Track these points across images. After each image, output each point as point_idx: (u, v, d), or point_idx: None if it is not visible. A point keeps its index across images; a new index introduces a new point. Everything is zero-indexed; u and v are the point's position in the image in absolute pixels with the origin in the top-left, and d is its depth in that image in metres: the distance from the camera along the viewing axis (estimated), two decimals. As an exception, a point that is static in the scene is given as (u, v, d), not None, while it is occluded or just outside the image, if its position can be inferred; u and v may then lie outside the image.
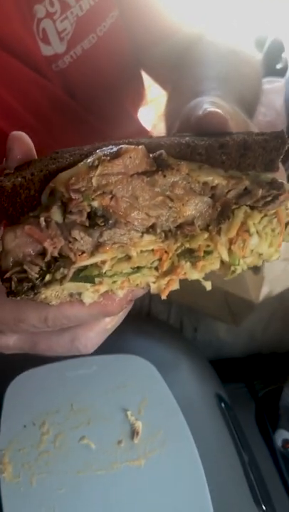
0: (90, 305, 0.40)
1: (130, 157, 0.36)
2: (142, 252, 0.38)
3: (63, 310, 0.40)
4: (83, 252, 0.37)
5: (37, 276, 0.37)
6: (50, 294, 0.39)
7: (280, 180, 0.39)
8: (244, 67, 0.73)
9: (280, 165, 0.41)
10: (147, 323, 0.97)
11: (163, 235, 0.38)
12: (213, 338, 1.06)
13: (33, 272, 0.37)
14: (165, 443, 0.70)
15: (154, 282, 0.41)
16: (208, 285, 0.42)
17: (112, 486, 0.67)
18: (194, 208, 0.38)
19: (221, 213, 0.39)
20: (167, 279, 0.40)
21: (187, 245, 0.39)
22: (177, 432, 0.72)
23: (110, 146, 0.38)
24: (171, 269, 0.40)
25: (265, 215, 0.40)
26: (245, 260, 0.41)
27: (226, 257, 0.40)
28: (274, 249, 0.41)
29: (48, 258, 0.37)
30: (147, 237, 0.38)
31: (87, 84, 0.79)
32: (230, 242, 0.40)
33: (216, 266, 0.41)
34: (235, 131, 0.44)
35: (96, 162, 0.36)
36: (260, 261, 0.42)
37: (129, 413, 0.74)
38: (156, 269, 0.40)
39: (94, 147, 0.39)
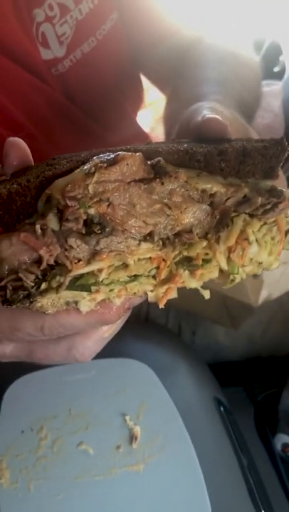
0: (86, 313, 0.39)
1: (127, 164, 0.36)
2: (139, 260, 0.38)
3: (60, 318, 0.40)
4: (79, 260, 0.36)
5: (32, 284, 0.37)
6: (46, 302, 0.38)
7: (279, 188, 0.39)
8: (243, 69, 0.73)
9: (280, 172, 0.41)
10: (146, 327, 0.97)
11: (161, 243, 0.38)
12: (211, 342, 1.06)
13: (29, 280, 0.36)
14: (164, 448, 0.70)
15: (151, 291, 0.40)
16: (206, 294, 0.41)
17: (111, 492, 0.66)
18: (192, 215, 0.38)
19: (220, 221, 0.38)
20: (165, 287, 0.40)
21: (185, 253, 0.39)
22: (176, 436, 0.71)
23: (107, 153, 0.37)
24: (169, 278, 0.40)
25: (265, 223, 0.39)
26: (244, 269, 0.40)
27: (224, 265, 0.39)
28: (274, 258, 0.41)
29: (43, 266, 0.36)
30: (145, 245, 0.38)
31: (87, 88, 0.78)
32: (229, 250, 0.39)
33: (215, 274, 0.40)
34: (235, 137, 0.43)
35: (93, 169, 0.36)
36: (260, 269, 0.41)
37: (127, 418, 0.73)
38: (154, 277, 0.39)
39: (91, 154, 0.39)
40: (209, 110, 0.45)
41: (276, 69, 1.26)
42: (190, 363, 0.86)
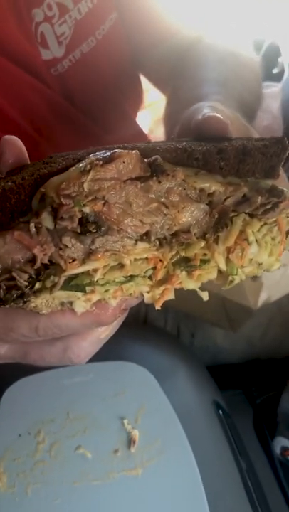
0: (82, 314, 0.39)
1: (124, 162, 0.35)
2: (135, 260, 0.37)
3: (54, 319, 0.39)
4: (74, 260, 0.36)
5: (26, 284, 0.36)
6: (41, 302, 0.37)
7: (280, 188, 0.38)
8: (244, 69, 0.73)
9: (281, 171, 0.40)
10: (144, 329, 0.96)
11: (157, 242, 0.37)
12: (210, 344, 1.05)
13: (22, 280, 0.36)
14: (162, 452, 0.69)
15: (148, 292, 0.39)
16: (204, 295, 0.40)
17: (109, 496, 0.65)
18: (190, 215, 0.37)
19: (219, 221, 0.37)
20: (162, 288, 0.39)
21: (183, 254, 0.38)
22: (175, 440, 0.70)
23: (104, 151, 0.36)
24: (166, 279, 0.39)
25: (265, 224, 0.39)
26: (243, 270, 0.39)
27: (223, 266, 0.38)
28: (274, 259, 0.40)
29: (37, 265, 0.36)
30: (141, 245, 0.37)
31: (86, 88, 0.78)
32: (228, 250, 0.38)
33: (213, 275, 0.39)
34: (235, 136, 0.42)
35: (88, 167, 0.35)
36: (260, 271, 0.40)
37: (125, 421, 0.72)
38: (151, 278, 0.39)
39: (88, 151, 0.38)
40: (210, 109, 0.45)
41: (275, 70, 1.26)
42: (189, 365, 0.85)
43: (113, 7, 0.77)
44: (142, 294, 0.40)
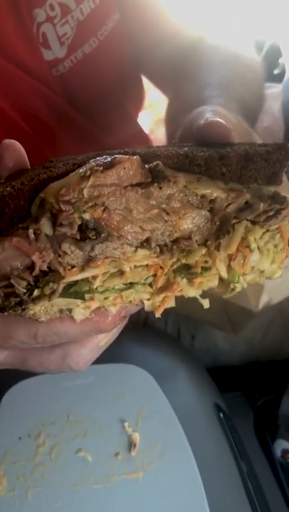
0: (81, 321, 0.38)
1: (124, 168, 0.34)
2: (135, 267, 0.37)
3: (53, 326, 0.39)
4: (73, 267, 0.35)
5: (24, 291, 0.35)
6: (39, 309, 0.37)
7: (283, 194, 0.37)
8: (246, 71, 0.72)
9: (284, 178, 0.39)
10: (144, 331, 0.96)
11: (158, 249, 0.37)
12: (210, 346, 1.05)
13: (21, 287, 0.35)
14: (163, 455, 0.69)
15: (148, 299, 0.39)
16: (205, 303, 0.40)
17: (109, 500, 0.65)
18: (192, 221, 0.36)
19: (220, 228, 0.37)
20: (162, 296, 0.38)
21: (184, 261, 0.38)
22: (175, 443, 0.70)
23: (104, 156, 0.36)
24: (167, 286, 0.38)
25: (267, 231, 0.38)
26: (245, 277, 0.39)
27: (224, 273, 0.38)
28: (276, 266, 0.39)
29: (36, 272, 0.35)
30: (141, 252, 0.36)
31: (88, 89, 0.77)
32: (230, 258, 0.38)
33: (215, 283, 0.39)
34: (238, 141, 0.42)
35: (88, 172, 0.34)
36: (262, 278, 0.40)
37: (126, 424, 0.72)
38: (151, 285, 0.38)
39: (88, 156, 0.37)
40: (212, 113, 0.44)
41: (276, 71, 1.25)
42: (189, 367, 0.85)
43: (115, 7, 0.76)
44: (142, 302, 0.39)
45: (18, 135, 0.69)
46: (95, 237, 0.35)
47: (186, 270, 0.38)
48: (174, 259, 0.37)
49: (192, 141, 0.43)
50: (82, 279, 0.36)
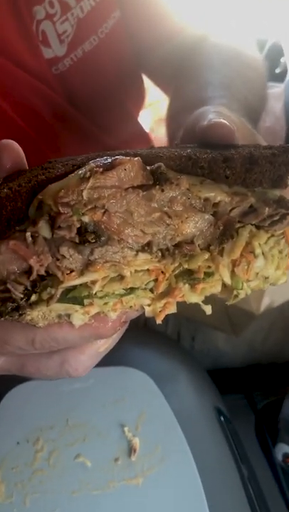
0: (80, 327, 0.38)
1: (125, 169, 0.34)
2: (136, 271, 0.36)
3: (51, 332, 0.38)
4: (72, 271, 0.34)
5: (21, 296, 0.35)
6: (37, 315, 0.36)
7: (288, 198, 0.36)
8: (248, 70, 0.72)
9: (290, 181, 0.38)
10: (144, 333, 0.95)
11: (159, 253, 0.36)
12: (211, 348, 1.04)
13: (18, 292, 0.34)
14: (163, 460, 0.68)
15: (149, 305, 0.38)
16: (208, 309, 0.39)
17: (109, 506, 0.64)
18: (194, 225, 0.35)
19: (224, 232, 0.36)
20: (163, 301, 0.38)
21: (186, 266, 0.37)
22: (176, 448, 0.69)
23: (104, 157, 0.35)
24: (168, 291, 0.37)
25: (272, 236, 0.37)
26: (249, 284, 0.38)
27: (228, 279, 0.37)
28: (281, 272, 0.38)
29: (33, 277, 0.34)
30: (142, 256, 0.35)
31: (88, 87, 0.77)
32: (234, 263, 0.37)
33: (217, 289, 0.38)
34: (242, 143, 0.41)
35: (88, 174, 0.33)
36: (266, 284, 0.39)
37: (126, 429, 0.72)
38: (152, 290, 0.37)
39: (88, 157, 0.37)
40: (216, 114, 0.43)
41: (277, 70, 1.24)
42: (190, 370, 0.85)
43: (116, 5, 0.75)
44: (142, 307, 0.38)
45: (16, 134, 0.69)
46: (94, 241, 0.34)
47: (188, 275, 0.37)
48: (176, 264, 0.36)
49: (194, 142, 0.42)
50: (81, 284, 0.35)
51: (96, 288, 0.35)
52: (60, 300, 0.35)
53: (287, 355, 1.04)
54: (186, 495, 0.65)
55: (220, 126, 0.40)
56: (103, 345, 0.41)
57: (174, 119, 0.69)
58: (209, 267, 0.37)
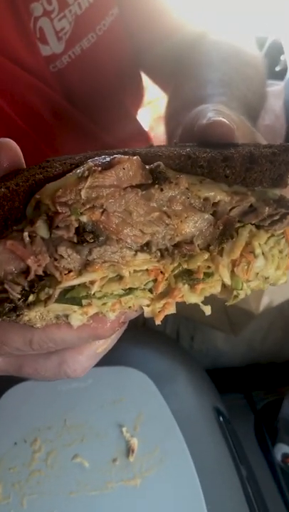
0: (78, 327, 0.37)
1: (124, 168, 0.33)
2: (135, 271, 0.36)
3: (49, 333, 0.37)
4: (70, 271, 0.34)
5: (19, 296, 0.34)
6: (35, 315, 0.36)
7: (288, 198, 0.36)
8: (247, 68, 0.71)
9: (290, 180, 0.38)
10: (143, 333, 0.94)
11: (159, 253, 0.35)
12: (210, 347, 1.04)
13: (15, 292, 0.34)
14: (162, 461, 0.68)
15: (148, 305, 0.38)
16: (207, 310, 0.38)
17: (107, 508, 0.64)
18: (194, 225, 0.35)
19: (224, 232, 0.35)
20: (163, 302, 0.37)
21: (185, 266, 0.36)
22: (174, 449, 0.69)
23: (103, 156, 0.34)
24: (167, 292, 0.37)
25: (272, 235, 0.37)
26: (249, 284, 0.38)
27: (228, 280, 0.37)
28: (281, 273, 0.38)
29: (31, 277, 0.34)
30: (141, 256, 0.35)
31: (86, 85, 0.76)
32: (233, 263, 0.37)
33: (217, 289, 0.38)
34: (242, 142, 0.41)
35: (86, 173, 0.33)
36: (266, 285, 0.38)
37: (124, 429, 0.71)
38: (151, 290, 0.37)
39: (86, 156, 0.36)
40: (215, 113, 0.42)
41: (277, 68, 1.24)
42: (189, 370, 0.84)
43: (114, 2, 0.75)
44: (141, 308, 0.38)
45: (14, 133, 0.68)
46: (92, 241, 0.33)
47: (188, 276, 0.37)
48: (175, 264, 0.36)
49: (193, 141, 0.42)
50: (79, 284, 0.35)
51: (94, 288, 0.35)
52: (58, 300, 0.35)
53: (286, 355, 1.04)
54: (184, 496, 0.65)
55: (219, 125, 0.40)
56: (102, 346, 0.41)
57: (172, 117, 0.69)
58: (209, 267, 0.37)
